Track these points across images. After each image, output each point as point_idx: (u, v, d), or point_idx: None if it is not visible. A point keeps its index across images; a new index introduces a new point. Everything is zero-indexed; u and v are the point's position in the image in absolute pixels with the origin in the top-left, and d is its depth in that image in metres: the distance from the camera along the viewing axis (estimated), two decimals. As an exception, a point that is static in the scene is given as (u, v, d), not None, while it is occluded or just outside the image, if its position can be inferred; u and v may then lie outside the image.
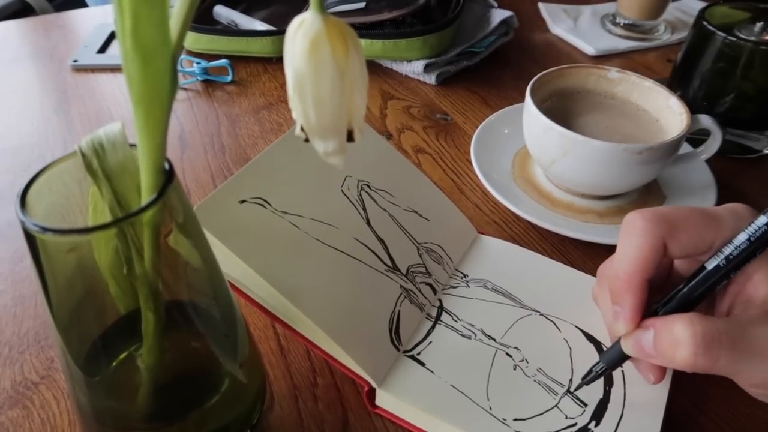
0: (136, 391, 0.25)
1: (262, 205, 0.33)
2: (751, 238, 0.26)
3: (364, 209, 0.37)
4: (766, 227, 0.26)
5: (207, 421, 0.26)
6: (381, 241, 0.36)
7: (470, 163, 0.49)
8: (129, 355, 0.26)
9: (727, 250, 0.27)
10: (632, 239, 0.29)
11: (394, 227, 0.37)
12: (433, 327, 0.34)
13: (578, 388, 0.31)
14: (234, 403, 0.27)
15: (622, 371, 0.32)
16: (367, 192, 0.37)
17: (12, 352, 0.36)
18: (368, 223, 0.36)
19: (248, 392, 0.28)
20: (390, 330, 0.33)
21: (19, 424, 0.32)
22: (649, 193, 0.47)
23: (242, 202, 0.32)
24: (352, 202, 0.36)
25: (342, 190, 0.36)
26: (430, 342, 0.33)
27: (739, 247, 0.27)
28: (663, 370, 0.30)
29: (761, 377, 0.27)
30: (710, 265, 0.27)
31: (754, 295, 0.27)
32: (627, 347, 0.29)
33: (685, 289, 0.28)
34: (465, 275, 0.38)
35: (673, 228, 0.28)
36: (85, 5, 1.25)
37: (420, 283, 0.36)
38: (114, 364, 0.26)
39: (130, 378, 0.26)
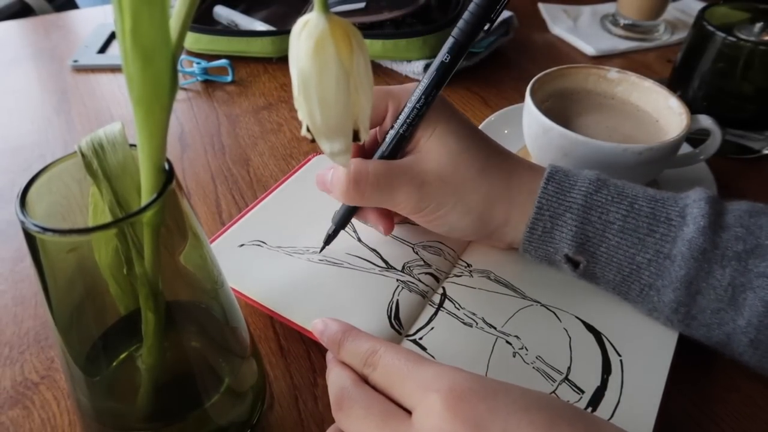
0: (136, 391, 0.25)
1: (259, 245, 0.38)
2: (411, 104, 0.33)
3: (355, 231, 0.40)
4: (423, 98, 0.33)
5: (207, 421, 0.26)
6: (373, 250, 0.38)
7: (470, 163, 0.49)
8: (129, 356, 0.26)
9: (400, 118, 0.33)
10: None
11: (386, 237, 0.39)
12: (435, 313, 0.35)
13: (321, 250, 0.37)
14: (234, 403, 0.27)
15: (621, 360, 0.32)
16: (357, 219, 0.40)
17: (12, 352, 0.36)
18: (359, 240, 0.39)
19: (248, 392, 0.29)
20: (389, 317, 0.34)
21: (19, 424, 0.32)
22: (649, 194, 0.46)
23: (241, 246, 0.38)
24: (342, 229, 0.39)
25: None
26: (432, 328, 0.34)
27: (407, 112, 0.33)
28: (389, 222, 0.36)
29: (410, 204, 0.33)
30: (392, 131, 0.34)
31: (415, 146, 0.34)
32: (317, 182, 0.36)
33: (382, 148, 0.34)
34: (469, 265, 0.38)
35: None
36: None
37: (419, 273, 0.37)
38: (114, 364, 0.26)
39: (130, 378, 0.26)
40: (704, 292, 0.31)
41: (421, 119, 0.33)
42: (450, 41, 0.32)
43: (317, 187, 0.36)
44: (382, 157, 0.34)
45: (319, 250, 0.37)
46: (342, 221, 0.37)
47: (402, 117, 0.33)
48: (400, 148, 0.34)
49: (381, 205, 0.34)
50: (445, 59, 0.32)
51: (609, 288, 0.34)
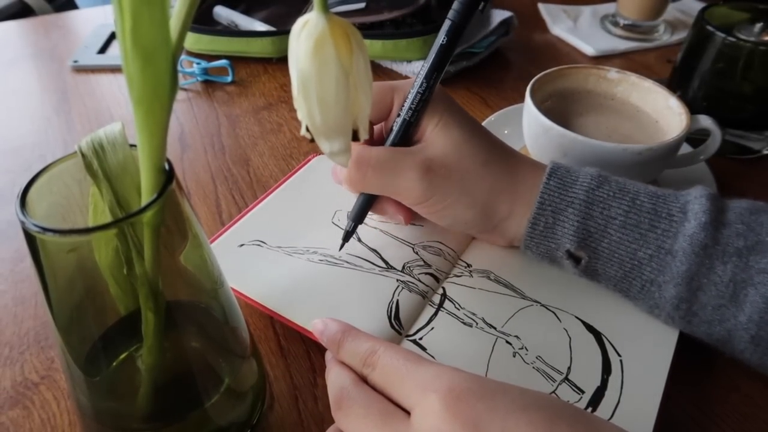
0: (136, 391, 0.25)
1: (258, 245, 0.38)
2: (414, 90, 0.33)
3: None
4: (424, 82, 0.33)
5: (207, 421, 0.26)
6: (373, 250, 0.38)
7: (470, 163, 0.49)
8: (129, 356, 0.26)
9: (405, 105, 0.34)
10: None
11: (386, 238, 0.39)
12: (435, 314, 0.35)
13: (340, 248, 0.37)
14: (234, 403, 0.28)
15: (621, 360, 0.32)
16: None
17: (12, 352, 0.36)
18: (360, 240, 0.39)
19: (248, 392, 0.29)
20: (389, 317, 0.34)
21: (19, 424, 0.32)
22: (648, 194, 0.46)
23: (241, 246, 0.38)
24: (342, 229, 0.39)
25: (333, 222, 0.39)
26: (432, 328, 0.34)
27: (410, 99, 0.33)
28: (407, 211, 0.37)
29: (415, 192, 0.33)
30: (398, 118, 0.34)
31: (421, 136, 0.34)
32: (332, 174, 0.37)
33: (391, 136, 0.35)
34: (469, 265, 0.38)
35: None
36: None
37: (419, 274, 0.37)
38: (114, 364, 0.26)
39: (130, 378, 0.26)
40: (705, 288, 0.31)
41: (426, 104, 0.33)
42: (447, 24, 0.32)
43: (333, 179, 0.37)
44: (391, 146, 0.34)
45: (338, 248, 0.37)
46: (358, 216, 0.36)
47: (407, 104, 0.33)
48: (407, 135, 0.34)
49: (385, 193, 0.35)
50: (443, 41, 0.33)
51: (610, 285, 0.34)
